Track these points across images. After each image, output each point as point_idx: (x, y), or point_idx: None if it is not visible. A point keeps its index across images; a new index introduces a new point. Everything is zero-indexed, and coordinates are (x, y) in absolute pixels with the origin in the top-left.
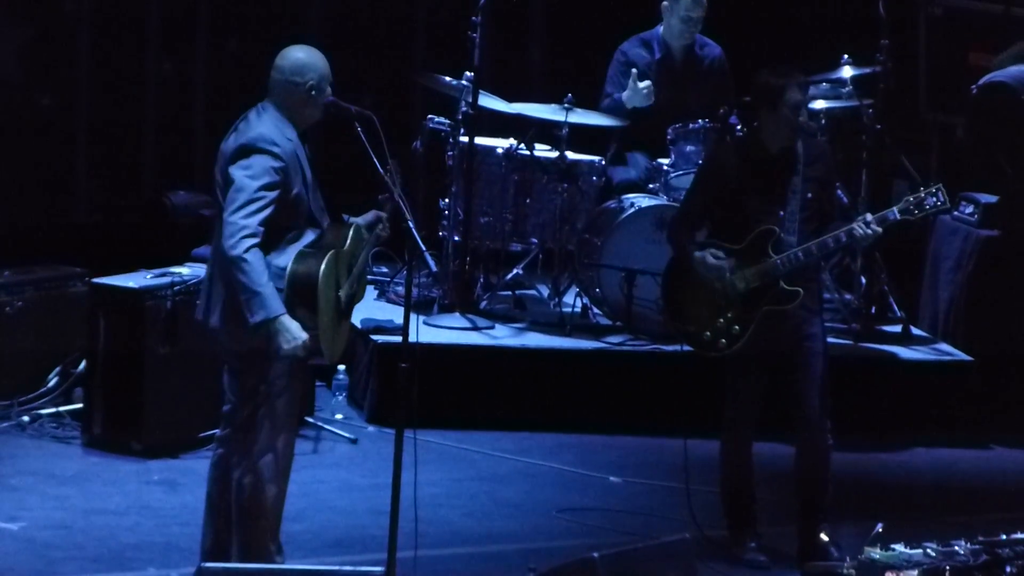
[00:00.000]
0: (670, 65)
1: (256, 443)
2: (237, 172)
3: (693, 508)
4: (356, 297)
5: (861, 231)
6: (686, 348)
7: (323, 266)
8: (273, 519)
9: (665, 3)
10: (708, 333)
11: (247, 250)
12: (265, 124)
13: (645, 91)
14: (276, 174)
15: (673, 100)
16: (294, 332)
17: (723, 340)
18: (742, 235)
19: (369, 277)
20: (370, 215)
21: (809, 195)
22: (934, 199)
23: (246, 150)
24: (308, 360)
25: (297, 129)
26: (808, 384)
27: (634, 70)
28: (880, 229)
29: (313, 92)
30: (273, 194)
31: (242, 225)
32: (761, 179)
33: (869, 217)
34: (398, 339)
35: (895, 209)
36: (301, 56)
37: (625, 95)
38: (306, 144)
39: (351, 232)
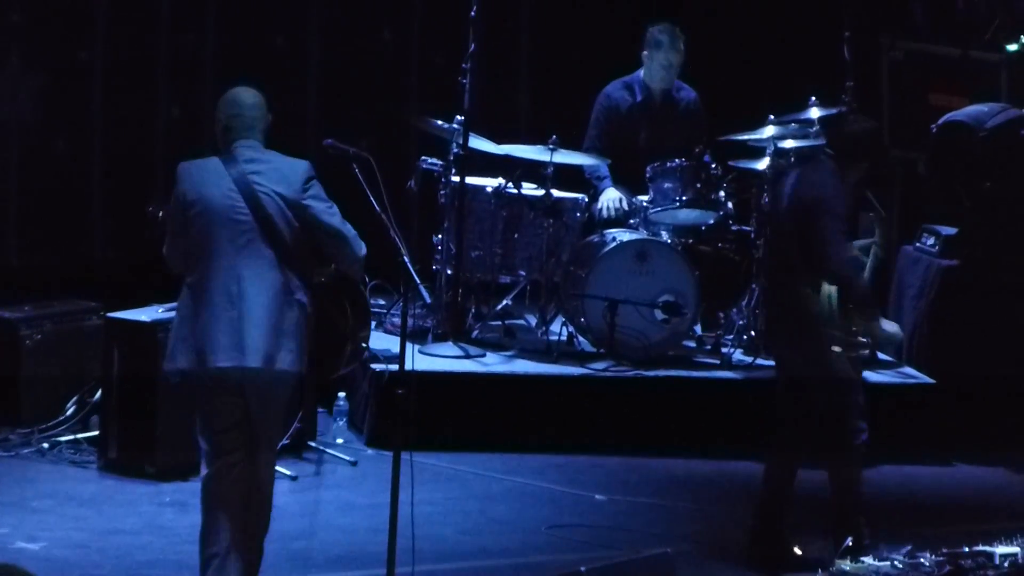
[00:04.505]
0: (650, 107)
1: (269, 465)
2: (319, 198)
3: (674, 523)
4: None
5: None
6: (669, 373)
7: None
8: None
9: (646, 52)
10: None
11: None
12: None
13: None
14: None
15: (652, 140)
16: None
17: None
18: None
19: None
20: None
21: None
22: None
23: (312, 175)
24: None
25: None
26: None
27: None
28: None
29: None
30: None
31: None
32: None
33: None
34: (395, 367)
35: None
36: (256, 93)
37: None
38: None
39: None
